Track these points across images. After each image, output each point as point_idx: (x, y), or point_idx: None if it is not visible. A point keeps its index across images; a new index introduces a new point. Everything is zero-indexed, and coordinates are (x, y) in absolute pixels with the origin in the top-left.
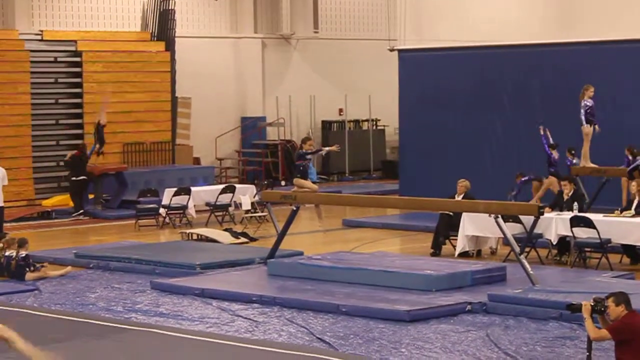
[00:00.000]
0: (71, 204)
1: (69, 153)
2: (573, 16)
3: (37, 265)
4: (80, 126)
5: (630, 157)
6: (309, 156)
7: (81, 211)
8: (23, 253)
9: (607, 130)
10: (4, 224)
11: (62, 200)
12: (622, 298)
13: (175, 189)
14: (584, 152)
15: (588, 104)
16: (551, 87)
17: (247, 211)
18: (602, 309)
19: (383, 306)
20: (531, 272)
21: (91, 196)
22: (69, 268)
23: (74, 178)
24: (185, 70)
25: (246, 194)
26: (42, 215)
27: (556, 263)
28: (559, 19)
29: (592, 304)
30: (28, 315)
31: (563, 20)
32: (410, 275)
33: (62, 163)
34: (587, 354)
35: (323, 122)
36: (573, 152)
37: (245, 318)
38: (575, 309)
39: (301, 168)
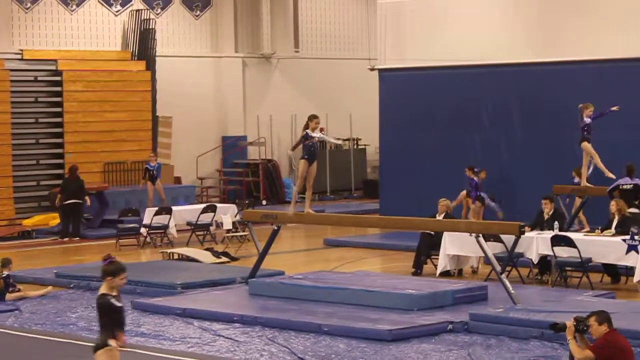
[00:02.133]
0: (51, 224)
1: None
2: (552, 36)
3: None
4: (60, 145)
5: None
6: (316, 136)
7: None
8: (5, 273)
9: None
10: None
11: (42, 219)
12: (603, 316)
13: (156, 208)
14: (583, 171)
15: (586, 121)
16: (530, 106)
17: (228, 230)
18: (584, 328)
19: (364, 326)
20: (512, 291)
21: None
22: (49, 288)
23: (63, 202)
24: (166, 90)
25: (227, 214)
26: (23, 234)
27: (537, 282)
28: (538, 39)
29: (574, 323)
30: (8, 335)
31: (543, 41)
32: (391, 294)
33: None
34: None
35: None
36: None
37: (227, 338)
38: (559, 328)
39: (312, 149)
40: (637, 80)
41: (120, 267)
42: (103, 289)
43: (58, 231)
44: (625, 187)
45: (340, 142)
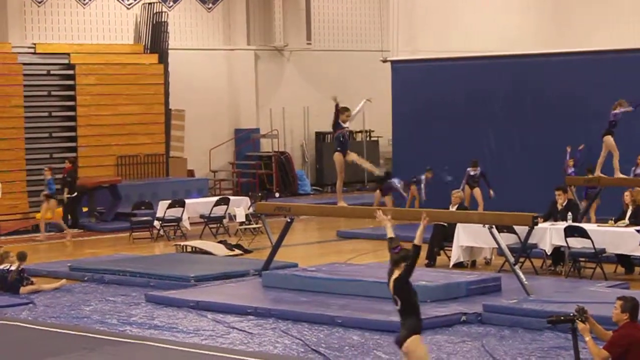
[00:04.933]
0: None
1: (66, 166)
2: (566, 27)
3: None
4: (73, 139)
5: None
6: (346, 126)
7: (76, 228)
8: (21, 266)
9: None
10: None
11: (56, 213)
12: (630, 305)
13: (169, 201)
14: (599, 162)
15: (615, 115)
16: (544, 97)
17: (241, 223)
18: (584, 319)
19: (378, 317)
20: (526, 282)
21: (85, 209)
22: (63, 281)
23: (68, 195)
24: (178, 83)
25: (240, 206)
26: (36, 228)
27: (551, 273)
28: (552, 30)
29: (574, 314)
30: (23, 328)
31: (556, 31)
32: None
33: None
34: None
35: (317, 133)
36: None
37: (240, 330)
38: (556, 321)
39: (341, 139)
40: None
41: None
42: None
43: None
44: None
45: (376, 170)
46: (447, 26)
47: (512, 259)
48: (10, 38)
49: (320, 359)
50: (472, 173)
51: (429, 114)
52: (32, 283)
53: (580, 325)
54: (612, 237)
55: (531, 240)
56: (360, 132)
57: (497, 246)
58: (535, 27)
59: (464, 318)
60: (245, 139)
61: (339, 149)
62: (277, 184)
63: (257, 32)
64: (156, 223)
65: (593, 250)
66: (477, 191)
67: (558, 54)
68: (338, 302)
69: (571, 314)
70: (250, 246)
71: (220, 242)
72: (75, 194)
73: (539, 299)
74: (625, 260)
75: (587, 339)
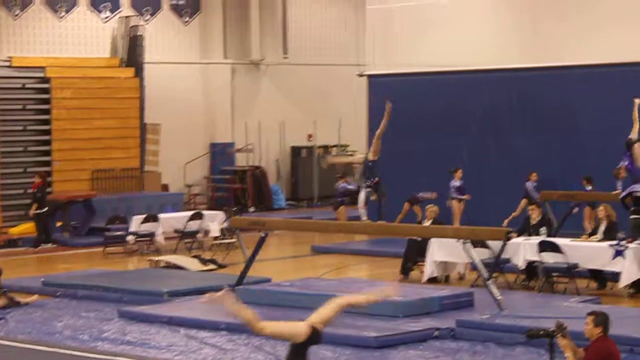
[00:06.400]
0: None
1: (36, 181)
2: (539, 42)
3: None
4: (48, 153)
5: (589, 188)
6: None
7: (49, 243)
8: None
9: (576, 156)
10: None
11: (29, 228)
12: (601, 319)
13: (143, 216)
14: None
15: None
16: (519, 111)
17: (215, 238)
18: (563, 334)
19: (350, 332)
20: (499, 297)
21: (59, 224)
22: (35, 296)
23: (37, 211)
24: (154, 96)
25: (215, 221)
26: (9, 243)
27: (524, 288)
28: (526, 45)
29: (554, 329)
30: None
31: (531, 46)
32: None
33: (29, 191)
34: None
35: (292, 147)
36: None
37: (213, 346)
38: (533, 335)
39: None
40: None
41: None
42: None
43: (33, 240)
44: (639, 194)
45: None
46: (423, 41)
47: (485, 274)
48: None
49: None
50: (456, 184)
51: (405, 129)
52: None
53: (561, 341)
54: (585, 252)
55: (505, 255)
56: (336, 146)
57: (470, 261)
58: (511, 41)
59: (436, 333)
60: (220, 153)
61: None
62: (251, 199)
63: (234, 46)
64: (130, 238)
65: (566, 265)
66: (455, 203)
67: (534, 69)
68: None
69: (550, 329)
70: (224, 261)
71: (194, 256)
72: (46, 209)
73: (512, 314)
74: (597, 276)
75: (568, 354)
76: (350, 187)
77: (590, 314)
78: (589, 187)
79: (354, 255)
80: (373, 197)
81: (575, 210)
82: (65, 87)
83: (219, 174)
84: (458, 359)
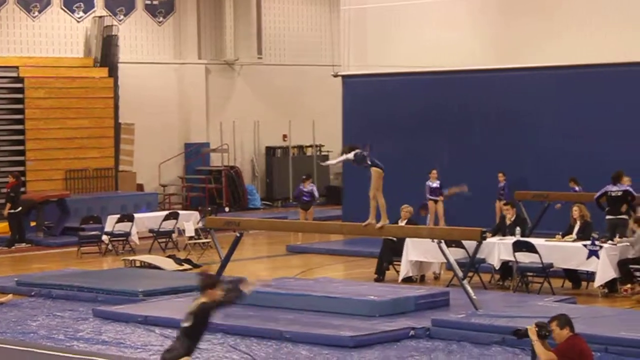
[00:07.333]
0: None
1: (10, 180)
2: (514, 44)
3: None
4: (22, 153)
5: (577, 188)
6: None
7: (23, 243)
8: None
9: (550, 156)
10: None
11: (3, 227)
12: (564, 320)
13: (118, 215)
14: None
15: None
16: (495, 111)
17: (190, 238)
18: (546, 333)
19: (327, 332)
20: (474, 297)
21: (33, 223)
22: (10, 296)
23: (11, 211)
24: (128, 96)
25: (190, 221)
26: None
27: (499, 288)
28: (500, 46)
29: (536, 329)
30: None
31: (505, 48)
32: (354, 301)
33: (3, 190)
34: None
35: (267, 147)
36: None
37: None
38: (522, 334)
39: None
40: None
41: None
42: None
43: (7, 240)
44: (614, 194)
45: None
46: (397, 41)
47: (460, 274)
48: None
49: None
50: (433, 185)
51: (380, 129)
52: None
53: (531, 330)
54: (560, 251)
55: (480, 255)
56: (311, 146)
57: (445, 261)
58: (485, 43)
59: (412, 333)
60: (195, 153)
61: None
62: (226, 199)
63: (208, 46)
64: (105, 237)
65: (541, 265)
66: (439, 205)
67: (509, 70)
68: (287, 317)
69: (543, 332)
70: (199, 261)
71: (169, 256)
72: (20, 208)
73: (487, 314)
74: (572, 275)
75: (534, 339)
76: (313, 188)
77: (551, 320)
78: (577, 188)
79: (330, 255)
80: None
81: (558, 205)
82: (39, 86)
83: (193, 174)
84: (434, 358)
